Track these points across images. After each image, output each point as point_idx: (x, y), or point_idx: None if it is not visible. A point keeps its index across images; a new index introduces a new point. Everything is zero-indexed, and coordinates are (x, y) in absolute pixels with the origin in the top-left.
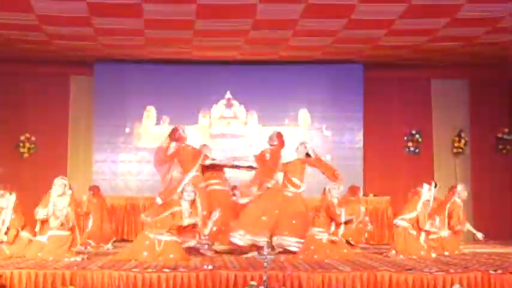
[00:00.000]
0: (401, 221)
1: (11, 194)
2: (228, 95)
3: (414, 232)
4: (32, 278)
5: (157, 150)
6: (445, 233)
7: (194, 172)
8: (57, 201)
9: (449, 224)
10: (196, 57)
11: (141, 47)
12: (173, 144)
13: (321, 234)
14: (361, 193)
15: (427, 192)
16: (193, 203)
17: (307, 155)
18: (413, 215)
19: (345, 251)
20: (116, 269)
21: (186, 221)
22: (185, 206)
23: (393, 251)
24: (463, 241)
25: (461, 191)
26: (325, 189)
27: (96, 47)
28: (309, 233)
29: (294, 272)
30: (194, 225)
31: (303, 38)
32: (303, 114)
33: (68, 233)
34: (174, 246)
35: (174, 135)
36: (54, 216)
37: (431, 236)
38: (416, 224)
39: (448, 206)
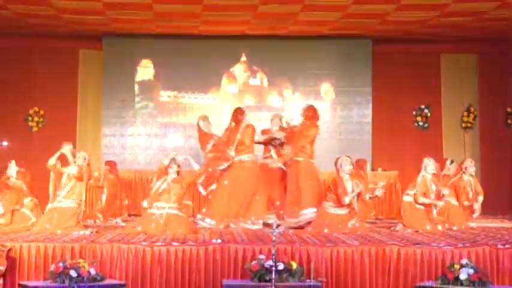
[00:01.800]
0: (406, 196)
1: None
2: (244, 57)
3: (421, 207)
4: (41, 251)
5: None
6: (440, 203)
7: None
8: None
9: (458, 199)
10: (205, 32)
11: (150, 21)
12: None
13: (332, 208)
14: (368, 167)
15: (429, 167)
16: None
17: (282, 127)
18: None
19: (357, 225)
20: (125, 242)
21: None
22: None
23: (400, 225)
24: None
25: (469, 167)
26: (337, 160)
27: (105, 21)
28: (321, 206)
29: (303, 246)
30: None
31: (312, 12)
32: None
33: (76, 205)
34: (178, 219)
35: (239, 116)
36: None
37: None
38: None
39: (454, 181)
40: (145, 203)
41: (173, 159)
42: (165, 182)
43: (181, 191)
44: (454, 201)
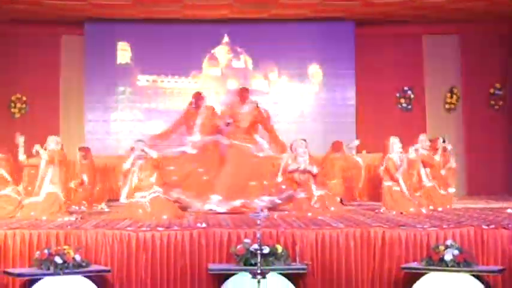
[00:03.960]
0: (384, 181)
1: None
2: (226, 38)
3: (398, 188)
4: (26, 238)
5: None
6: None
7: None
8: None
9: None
10: (187, 16)
11: (131, 6)
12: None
13: (302, 193)
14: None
15: (395, 145)
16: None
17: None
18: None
19: (332, 209)
20: (110, 228)
21: (127, 164)
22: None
23: (384, 208)
24: (455, 196)
25: (423, 141)
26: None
27: (87, 6)
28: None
29: (288, 229)
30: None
31: None
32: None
33: (59, 189)
34: (162, 202)
35: (199, 102)
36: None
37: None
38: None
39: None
40: (123, 199)
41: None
42: (134, 174)
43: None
44: (431, 183)
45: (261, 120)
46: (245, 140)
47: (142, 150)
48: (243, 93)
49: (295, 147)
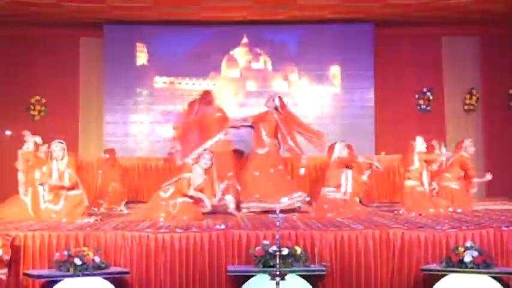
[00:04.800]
0: (407, 180)
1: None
2: (245, 39)
3: (421, 189)
4: (46, 239)
5: (184, 113)
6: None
7: (222, 136)
8: (59, 165)
9: (466, 177)
10: (205, 18)
11: (150, 8)
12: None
13: (332, 193)
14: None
15: (420, 145)
16: (208, 171)
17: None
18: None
19: (358, 208)
20: (129, 229)
21: (192, 192)
22: (199, 171)
23: (403, 209)
24: (474, 198)
25: (468, 146)
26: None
27: (105, 9)
28: (322, 192)
29: (307, 231)
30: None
31: None
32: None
33: (80, 191)
34: (188, 207)
35: (205, 99)
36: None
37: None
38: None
39: (454, 160)
40: (163, 194)
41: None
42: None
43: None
44: (455, 185)
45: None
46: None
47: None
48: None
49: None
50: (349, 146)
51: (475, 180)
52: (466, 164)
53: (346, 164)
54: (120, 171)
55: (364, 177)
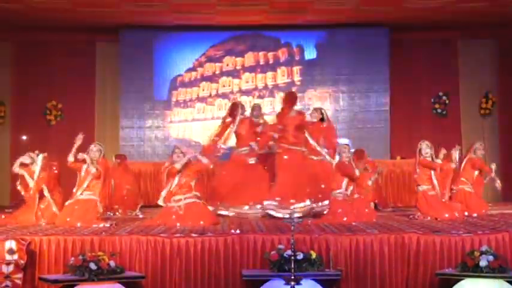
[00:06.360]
0: (419, 186)
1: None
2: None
3: (433, 193)
4: (61, 244)
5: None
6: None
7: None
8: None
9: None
10: (221, 22)
11: (166, 13)
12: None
13: (340, 195)
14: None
15: (423, 150)
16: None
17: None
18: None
19: (366, 210)
20: (144, 234)
21: (178, 165)
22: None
23: (419, 213)
24: (490, 203)
25: (477, 149)
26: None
27: (121, 14)
28: (332, 196)
29: (322, 235)
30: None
31: (328, 1)
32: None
33: (97, 198)
34: (198, 208)
35: (234, 111)
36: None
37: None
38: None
39: (465, 163)
40: (160, 201)
41: (176, 148)
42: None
43: (195, 177)
44: (469, 188)
45: (306, 125)
46: (296, 144)
47: (195, 157)
48: (289, 98)
49: (339, 152)
50: (359, 152)
51: (493, 175)
52: (477, 164)
53: (346, 175)
54: (133, 175)
55: (369, 183)
